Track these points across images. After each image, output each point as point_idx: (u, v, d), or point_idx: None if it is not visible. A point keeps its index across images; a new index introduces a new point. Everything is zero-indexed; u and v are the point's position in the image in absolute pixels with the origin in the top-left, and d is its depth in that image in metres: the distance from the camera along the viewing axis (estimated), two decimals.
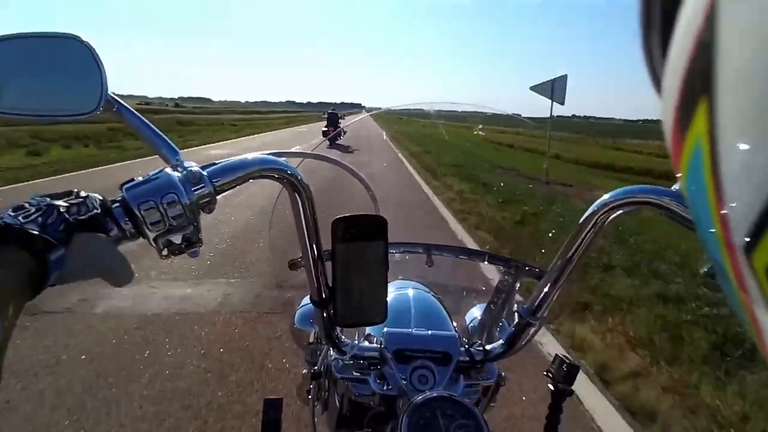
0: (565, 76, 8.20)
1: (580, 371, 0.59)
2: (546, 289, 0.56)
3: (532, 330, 0.58)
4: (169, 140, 0.43)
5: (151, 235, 0.36)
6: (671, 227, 3.32)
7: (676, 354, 2.19)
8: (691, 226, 0.31)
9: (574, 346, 2.32)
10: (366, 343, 0.62)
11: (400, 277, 0.87)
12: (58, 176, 6.86)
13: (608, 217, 0.50)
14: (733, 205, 0.12)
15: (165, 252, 0.38)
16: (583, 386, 1.96)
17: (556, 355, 0.60)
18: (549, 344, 2.28)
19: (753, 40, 0.10)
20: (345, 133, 14.06)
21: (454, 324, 0.74)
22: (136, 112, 0.44)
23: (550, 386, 0.59)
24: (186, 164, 0.39)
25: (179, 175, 0.38)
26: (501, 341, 0.61)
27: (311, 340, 0.83)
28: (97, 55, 0.40)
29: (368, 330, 0.69)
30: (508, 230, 4.58)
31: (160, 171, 0.38)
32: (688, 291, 2.84)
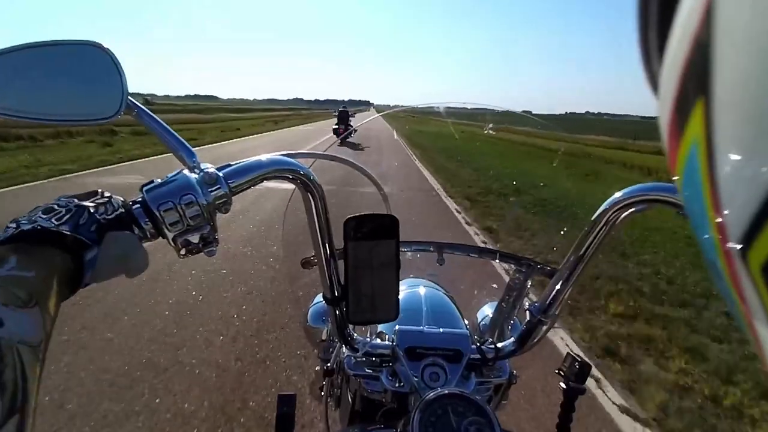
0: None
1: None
2: (558, 287, 0.56)
3: (544, 328, 0.58)
4: (186, 142, 0.44)
5: (170, 235, 0.38)
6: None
7: None
8: None
9: None
10: (378, 341, 0.63)
11: (411, 275, 0.88)
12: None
13: (620, 215, 0.49)
14: (729, 207, 0.11)
15: (183, 252, 0.39)
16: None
17: (568, 353, 0.59)
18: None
19: (750, 41, 0.10)
20: (356, 131, 14.06)
21: (466, 322, 0.74)
22: (154, 115, 0.45)
23: (562, 384, 0.58)
24: (202, 166, 0.41)
25: (196, 176, 0.39)
26: (512, 339, 0.61)
27: (324, 337, 0.85)
28: (118, 61, 0.41)
29: (380, 327, 0.69)
30: None
31: (178, 173, 0.39)
32: None
